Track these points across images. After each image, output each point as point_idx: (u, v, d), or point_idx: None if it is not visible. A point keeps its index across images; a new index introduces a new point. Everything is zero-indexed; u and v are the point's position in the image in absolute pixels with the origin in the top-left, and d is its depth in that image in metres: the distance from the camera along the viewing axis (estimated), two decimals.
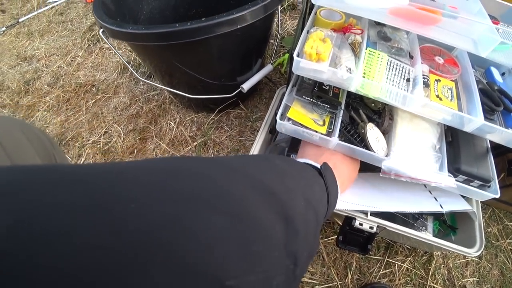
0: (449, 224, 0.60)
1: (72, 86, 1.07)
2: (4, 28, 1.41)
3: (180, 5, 0.82)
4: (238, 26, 0.50)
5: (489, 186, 0.55)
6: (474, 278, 0.72)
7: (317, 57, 0.45)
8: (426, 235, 0.53)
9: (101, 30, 0.57)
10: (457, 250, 0.55)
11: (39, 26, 1.40)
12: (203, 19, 0.48)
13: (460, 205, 0.53)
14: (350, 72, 0.45)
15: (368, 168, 0.54)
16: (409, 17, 0.45)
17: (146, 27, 0.49)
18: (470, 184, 0.55)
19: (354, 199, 0.51)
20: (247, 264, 0.18)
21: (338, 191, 0.40)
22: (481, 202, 0.82)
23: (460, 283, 0.71)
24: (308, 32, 0.52)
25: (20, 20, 1.43)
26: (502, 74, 0.62)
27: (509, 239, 0.79)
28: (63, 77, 1.13)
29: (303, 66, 0.46)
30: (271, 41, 1.04)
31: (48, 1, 1.55)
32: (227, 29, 0.49)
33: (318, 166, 0.40)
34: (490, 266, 0.75)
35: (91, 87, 1.05)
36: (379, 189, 0.56)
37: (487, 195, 0.53)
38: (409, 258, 0.68)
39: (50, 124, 0.98)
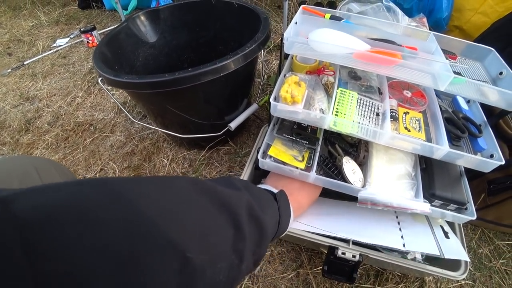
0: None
1: (71, 125, 1.12)
2: (9, 70, 1.49)
3: (172, 51, 0.90)
4: (221, 74, 0.56)
5: (465, 209, 0.58)
6: None
7: (292, 100, 0.50)
8: (409, 261, 0.55)
9: (100, 78, 0.63)
10: (442, 274, 0.56)
11: (43, 68, 1.48)
12: (189, 69, 0.53)
13: (425, 248, 0.53)
14: (323, 112, 0.50)
15: (348, 198, 0.57)
16: (372, 60, 0.50)
17: (140, 77, 0.55)
18: (447, 208, 0.57)
19: (320, 224, 0.55)
20: (204, 247, 0.27)
21: (291, 214, 0.48)
22: (469, 223, 0.84)
23: None
24: (284, 75, 0.57)
25: (25, 63, 1.52)
26: (468, 102, 0.67)
27: (502, 259, 0.79)
28: (63, 116, 1.18)
29: (280, 109, 0.51)
30: (258, 80, 1.11)
31: (52, 45, 1.66)
32: (211, 77, 0.55)
33: (275, 191, 0.48)
34: None
35: (89, 126, 1.10)
36: (349, 217, 0.59)
37: (464, 218, 0.56)
38: (400, 285, 0.69)
39: None
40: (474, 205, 0.74)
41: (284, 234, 0.48)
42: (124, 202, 0.23)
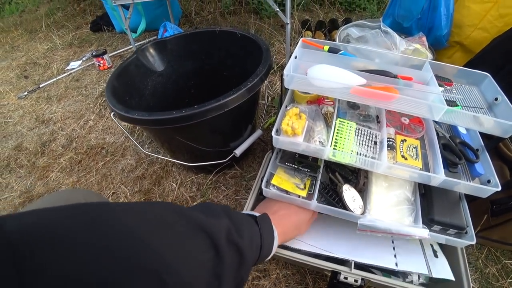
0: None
1: (84, 148, 1.17)
2: (26, 93, 1.57)
3: (179, 78, 0.94)
4: (225, 110, 0.59)
5: (465, 233, 0.59)
6: None
7: (293, 132, 0.53)
8: (409, 285, 0.56)
9: (112, 113, 0.67)
10: None
11: (57, 91, 1.56)
12: (195, 106, 0.57)
13: (416, 267, 0.57)
14: (322, 144, 0.53)
15: None
16: (369, 95, 0.53)
17: (149, 114, 0.59)
18: (447, 232, 0.59)
19: (318, 243, 0.59)
20: (181, 271, 0.28)
21: (275, 238, 0.49)
22: (475, 243, 0.84)
23: None
24: (286, 107, 0.60)
25: (40, 86, 1.60)
26: None
27: (510, 279, 0.78)
28: (76, 139, 1.24)
29: (282, 141, 0.54)
30: (262, 102, 1.14)
31: (66, 68, 1.74)
32: (216, 113, 0.59)
33: (257, 215, 0.49)
34: None
35: (101, 149, 1.15)
36: (347, 236, 0.62)
37: (463, 242, 0.57)
38: None
39: (62, 185, 1.06)
40: (478, 225, 0.75)
41: (269, 257, 0.49)
42: (99, 226, 0.25)
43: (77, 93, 1.51)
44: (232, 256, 0.36)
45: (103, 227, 0.25)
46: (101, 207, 0.27)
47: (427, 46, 1.04)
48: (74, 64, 1.74)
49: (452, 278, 0.56)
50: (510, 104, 0.57)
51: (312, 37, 1.48)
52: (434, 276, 0.55)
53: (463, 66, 1.07)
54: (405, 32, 1.17)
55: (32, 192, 1.06)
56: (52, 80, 1.64)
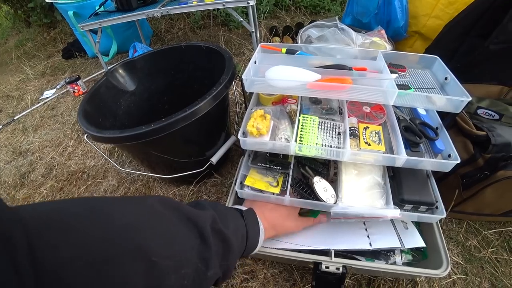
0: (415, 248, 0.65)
1: (65, 175, 1.16)
2: (0, 127, 1.54)
3: (152, 95, 0.96)
4: (194, 119, 0.61)
5: (436, 208, 0.62)
6: None
7: (258, 132, 0.55)
8: (391, 266, 0.58)
9: (86, 135, 0.68)
10: (425, 274, 0.60)
11: (32, 122, 1.54)
12: (163, 119, 0.59)
13: (389, 243, 0.61)
14: (288, 141, 0.55)
15: None
16: (323, 88, 0.56)
17: (121, 131, 0.60)
18: (418, 210, 0.62)
19: (298, 240, 0.61)
20: (169, 254, 0.31)
21: (260, 230, 0.51)
22: (453, 217, 0.87)
23: None
24: (251, 109, 0.63)
25: (15, 118, 1.58)
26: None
27: (491, 248, 0.81)
28: (56, 167, 1.22)
29: (249, 142, 0.56)
30: (238, 110, 1.17)
31: (40, 98, 1.72)
32: (185, 123, 0.60)
33: (243, 209, 0.52)
34: (479, 279, 0.76)
35: (82, 174, 1.14)
36: (323, 228, 0.64)
37: (434, 217, 0.60)
38: None
39: None
40: (452, 201, 0.78)
41: (256, 251, 0.52)
42: (100, 214, 0.29)
43: (53, 121, 1.50)
44: (217, 244, 0.39)
45: (103, 216, 0.29)
46: (102, 200, 0.32)
47: (386, 38, 1.10)
48: (48, 93, 1.73)
49: (423, 245, 0.60)
50: (458, 82, 0.61)
51: (281, 41, 1.52)
52: (406, 247, 0.58)
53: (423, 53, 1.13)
54: (365, 27, 1.23)
55: None
56: (26, 111, 1.62)
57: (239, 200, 0.69)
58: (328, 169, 0.61)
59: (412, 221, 0.68)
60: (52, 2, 1.68)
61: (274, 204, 0.59)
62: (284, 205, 0.59)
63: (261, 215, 0.53)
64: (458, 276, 0.76)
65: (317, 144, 0.56)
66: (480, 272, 0.78)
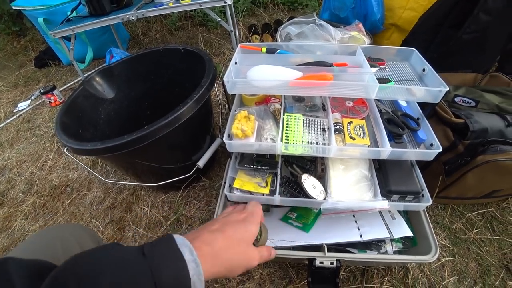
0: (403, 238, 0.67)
1: (47, 190, 1.12)
2: None
3: (132, 102, 0.93)
4: (176, 125, 0.60)
5: (422, 196, 0.64)
6: (454, 277, 0.76)
7: (243, 134, 0.55)
8: (383, 256, 0.60)
9: (65, 148, 0.66)
10: (416, 261, 0.61)
11: (8, 136, 1.46)
12: (145, 127, 0.57)
13: (378, 234, 0.62)
14: (273, 141, 0.55)
15: None
16: (305, 85, 0.56)
17: (102, 142, 0.58)
18: (405, 200, 0.63)
19: (290, 237, 0.61)
20: None
21: (184, 257, 0.29)
22: (439, 203, 0.90)
23: (441, 286, 0.74)
24: (235, 111, 0.62)
25: None
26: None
27: (475, 229, 0.84)
28: (37, 182, 1.17)
29: (234, 144, 0.55)
30: (222, 111, 1.16)
31: (14, 111, 1.64)
32: (168, 130, 0.59)
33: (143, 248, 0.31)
34: (466, 260, 0.79)
35: (65, 187, 1.10)
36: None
37: (421, 205, 0.62)
38: (387, 278, 0.73)
39: (29, 232, 1.00)
40: (436, 187, 0.81)
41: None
42: None
43: (30, 134, 1.43)
44: None
45: None
46: None
47: (364, 32, 1.11)
48: (23, 105, 1.65)
49: (411, 234, 0.62)
50: (435, 73, 0.63)
51: (260, 39, 1.52)
52: (394, 237, 0.59)
53: (400, 45, 1.15)
54: (343, 22, 1.24)
55: None
56: (0, 126, 1.54)
57: (228, 203, 0.68)
58: (316, 165, 0.61)
59: (399, 211, 0.69)
60: (20, 9, 1.60)
61: (221, 223, 0.37)
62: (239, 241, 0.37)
63: (206, 246, 0.32)
64: (447, 259, 0.79)
65: (303, 142, 0.56)
66: (466, 253, 0.81)
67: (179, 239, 0.30)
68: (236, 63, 0.62)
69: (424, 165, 0.81)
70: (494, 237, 0.82)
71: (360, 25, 1.14)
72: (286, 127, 0.58)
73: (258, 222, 0.39)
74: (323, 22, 0.90)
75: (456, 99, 0.81)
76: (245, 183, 0.58)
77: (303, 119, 0.60)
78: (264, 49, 0.67)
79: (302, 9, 1.91)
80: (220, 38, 1.72)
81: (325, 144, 0.57)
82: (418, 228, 0.69)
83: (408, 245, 0.71)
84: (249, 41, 1.57)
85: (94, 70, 0.89)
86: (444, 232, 0.84)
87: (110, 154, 0.59)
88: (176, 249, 0.29)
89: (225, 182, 0.60)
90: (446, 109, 0.77)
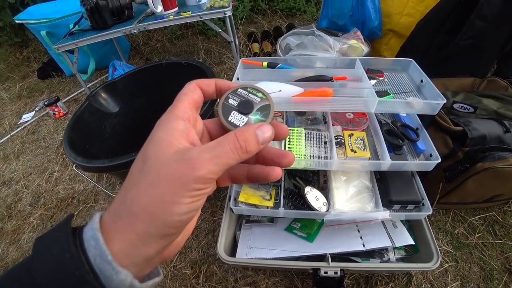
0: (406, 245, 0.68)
1: (54, 202, 1.13)
2: None
3: (137, 115, 0.95)
4: None
5: (422, 205, 0.65)
6: (457, 282, 0.77)
7: None
8: (386, 264, 0.61)
9: (74, 165, 0.67)
10: (418, 268, 0.63)
11: (13, 148, 1.48)
12: None
13: (381, 243, 0.63)
14: None
15: None
16: (308, 101, 0.58)
17: (111, 160, 0.60)
18: (406, 209, 0.65)
19: (293, 247, 0.62)
20: None
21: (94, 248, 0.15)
22: (441, 209, 0.92)
23: None
24: None
25: None
26: None
27: (477, 234, 0.85)
28: (44, 194, 1.19)
29: None
30: None
31: (19, 122, 1.66)
32: None
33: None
34: (469, 265, 0.80)
35: (72, 199, 1.12)
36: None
37: (421, 214, 0.63)
38: (390, 284, 0.74)
39: None
40: (437, 194, 0.82)
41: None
42: None
43: (35, 146, 1.45)
44: None
45: None
46: None
47: (363, 40, 1.13)
48: (27, 117, 1.67)
49: (412, 242, 0.63)
50: (433, 84, 0.64)
51: (260, 47, 1.54)
52: (396, 245, 0.61)
53: (398, 51, 1.16)
54: (342, 29, 1.26)
55: (6, 259, 1.01)
56: (5, 138, 1.56)
57: (232, 215, 0.70)
58: (318, 177, 0.63)
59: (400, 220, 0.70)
60: (23, 23, 1.62)
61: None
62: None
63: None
64: (449, 264, 0.80)
65: (305, 156, 0.57)
66: (469, 258, 0.81)
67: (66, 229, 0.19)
68: (238, 79, 0.64)
69: (425, 172, 0.82)
70: (496, 241, 0.83)
71: (359, 33, 1.15)
72: (289, 141, 0.59)
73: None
74: (322, 33, 0.92)
75: (455, 106, 0.82)
76: (250, 196, 0.59)
77: (305, 133, 0.62)
78: (265, 64, 0.68)
79: (301, 15, 1.93)
80: (220, 47, 1.74)
81: (326, 157, 0.58)
82: (420, 236, 0.70)
83: (410, 252, 0.72)
84: (249, 49, 1.59)
85: (98, 86, 0.91)
86: (446, 237, 0.85)
87: (120, 171, 0.61)
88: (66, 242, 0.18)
89: (230, 196, 0.62)
90: (444, 117, 0.78)
